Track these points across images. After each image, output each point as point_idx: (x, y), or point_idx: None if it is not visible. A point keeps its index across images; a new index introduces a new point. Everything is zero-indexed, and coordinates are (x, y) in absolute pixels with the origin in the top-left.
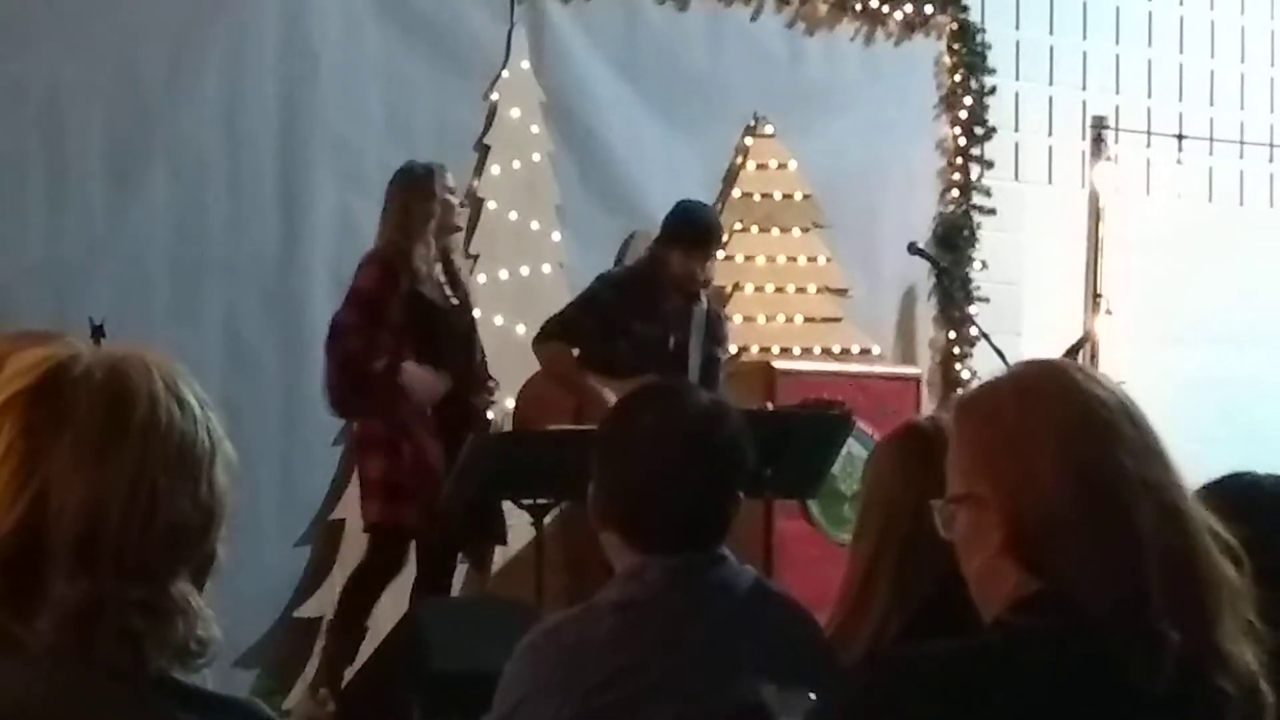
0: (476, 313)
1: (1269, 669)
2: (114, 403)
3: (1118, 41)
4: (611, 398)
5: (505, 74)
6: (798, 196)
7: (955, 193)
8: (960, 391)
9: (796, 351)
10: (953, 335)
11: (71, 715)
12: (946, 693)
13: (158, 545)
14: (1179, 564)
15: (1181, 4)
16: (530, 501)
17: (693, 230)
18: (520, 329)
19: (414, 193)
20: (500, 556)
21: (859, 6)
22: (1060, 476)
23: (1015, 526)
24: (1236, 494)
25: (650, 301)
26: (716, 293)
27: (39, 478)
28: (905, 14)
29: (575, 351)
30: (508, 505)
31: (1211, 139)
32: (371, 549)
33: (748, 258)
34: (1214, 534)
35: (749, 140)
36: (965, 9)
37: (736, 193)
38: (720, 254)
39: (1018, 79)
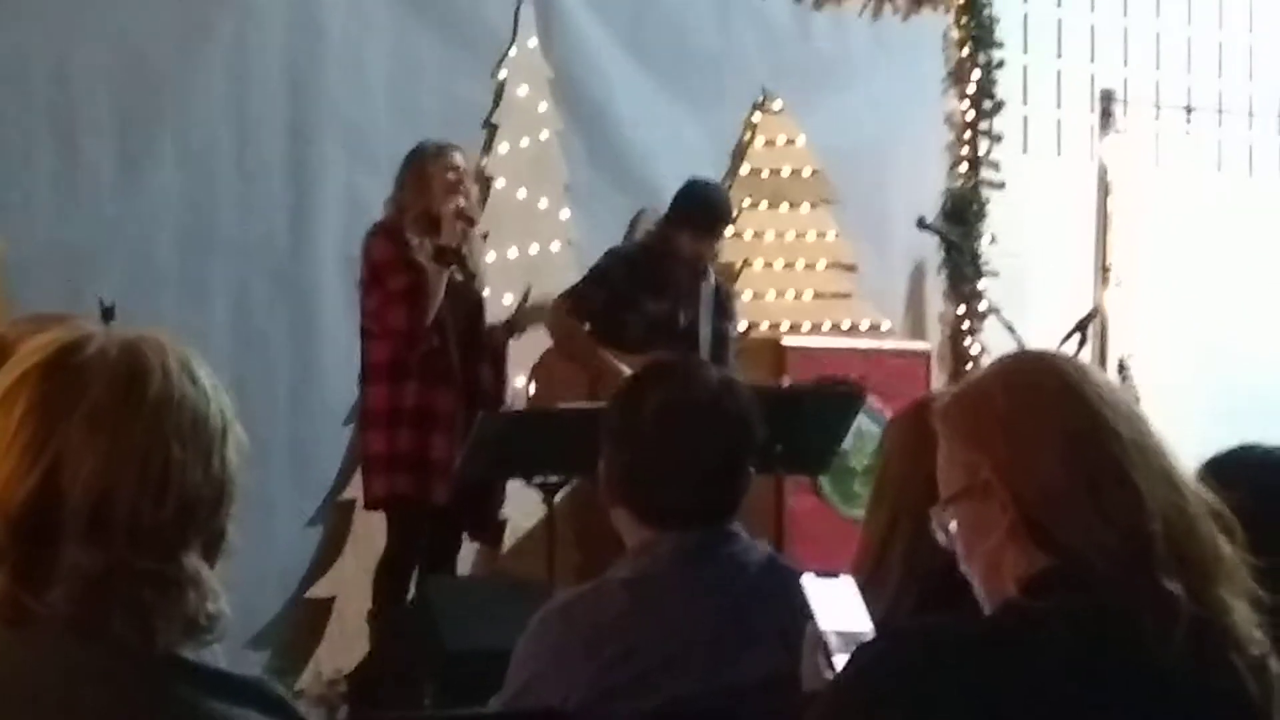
0: (486, 291)
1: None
2: (128, 375)
3: (1125, 14)
4: (625, 370)
5: (513, 52)
6: (806, 172)
7: (964, 167)
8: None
9: (806, 328)
10: (962, 310)
11: (78, 691)
12: (964, 667)
13: (170, 517)
14: (1179, 522)
15: None
16: (541, 479)
17: (703, 214)
18: None
19: (411, 167)
20: (511, 534)
21: None
22: (1060, 446)
23: (1023, 502)
24: (1243, 466)
25: (660, 278)
26: (726, 269)
27: (53, 450)
28: None
29: (586, 326)
30: (518, 484)
31: (1220, 110)
32: (388, 532)
33: (756, 234)
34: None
35: (757, 116)
36: None
37: (745, 169)
38: (730, 230)
39: (1026, 52)
